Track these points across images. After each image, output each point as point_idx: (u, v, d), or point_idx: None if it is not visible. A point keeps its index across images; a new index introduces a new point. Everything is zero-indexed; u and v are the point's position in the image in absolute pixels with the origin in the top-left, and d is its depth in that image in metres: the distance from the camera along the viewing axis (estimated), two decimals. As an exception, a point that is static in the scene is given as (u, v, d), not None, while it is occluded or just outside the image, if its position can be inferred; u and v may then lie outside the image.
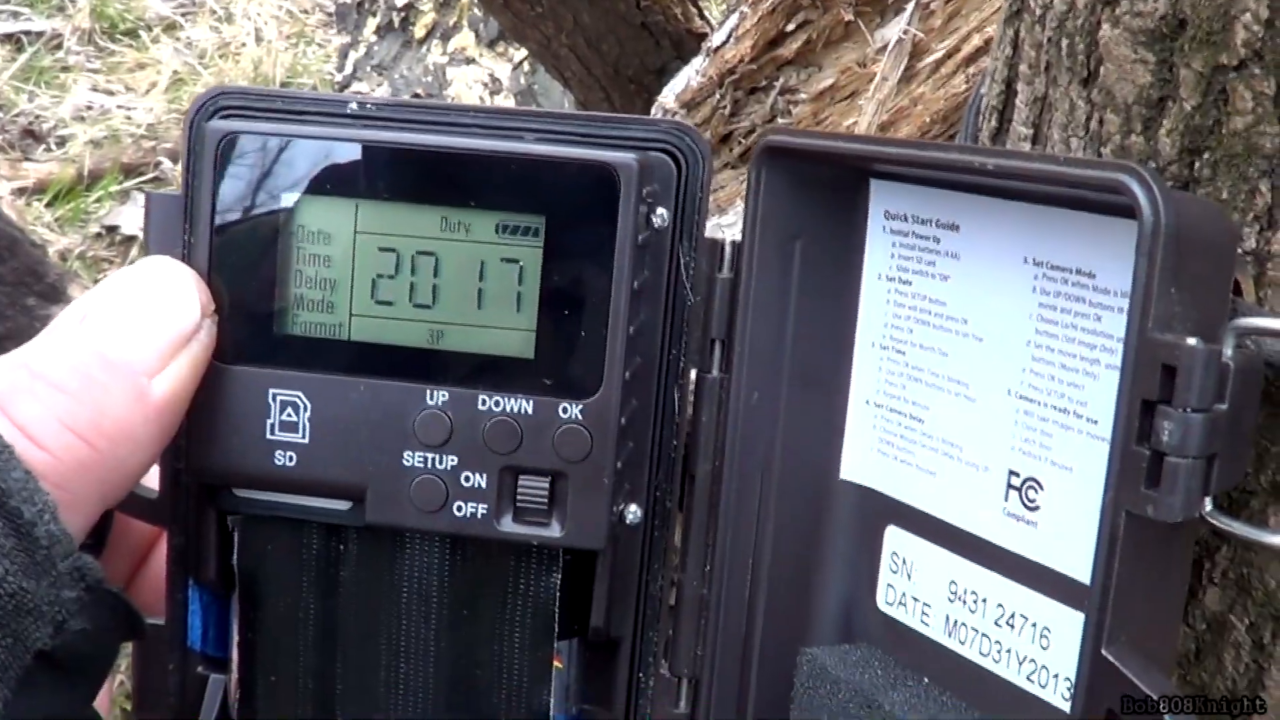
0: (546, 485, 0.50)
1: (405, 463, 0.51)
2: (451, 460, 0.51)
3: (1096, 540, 0.41)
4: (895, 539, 0.54)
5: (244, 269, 0.51)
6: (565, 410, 0.50)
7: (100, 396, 0.46)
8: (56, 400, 0.46)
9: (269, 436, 0.51)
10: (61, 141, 3.39)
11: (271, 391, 0.51)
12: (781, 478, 0.55)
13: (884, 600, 0.54)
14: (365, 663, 0.54)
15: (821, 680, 0.53)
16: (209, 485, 0.53)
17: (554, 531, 0.51)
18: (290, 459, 0.51)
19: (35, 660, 0.44)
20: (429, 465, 0.51)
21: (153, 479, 0.52)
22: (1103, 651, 0.41)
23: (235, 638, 0.55)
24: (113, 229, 3.08)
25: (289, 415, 0.51)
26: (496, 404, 0.50)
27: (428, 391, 0.50)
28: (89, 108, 3.49)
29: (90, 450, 0.46)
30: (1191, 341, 0.40)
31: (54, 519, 0.44)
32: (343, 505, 0.52)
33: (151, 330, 0.48)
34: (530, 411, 0.50)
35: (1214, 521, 0.42)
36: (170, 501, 0.53)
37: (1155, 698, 0.39)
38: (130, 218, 3.06)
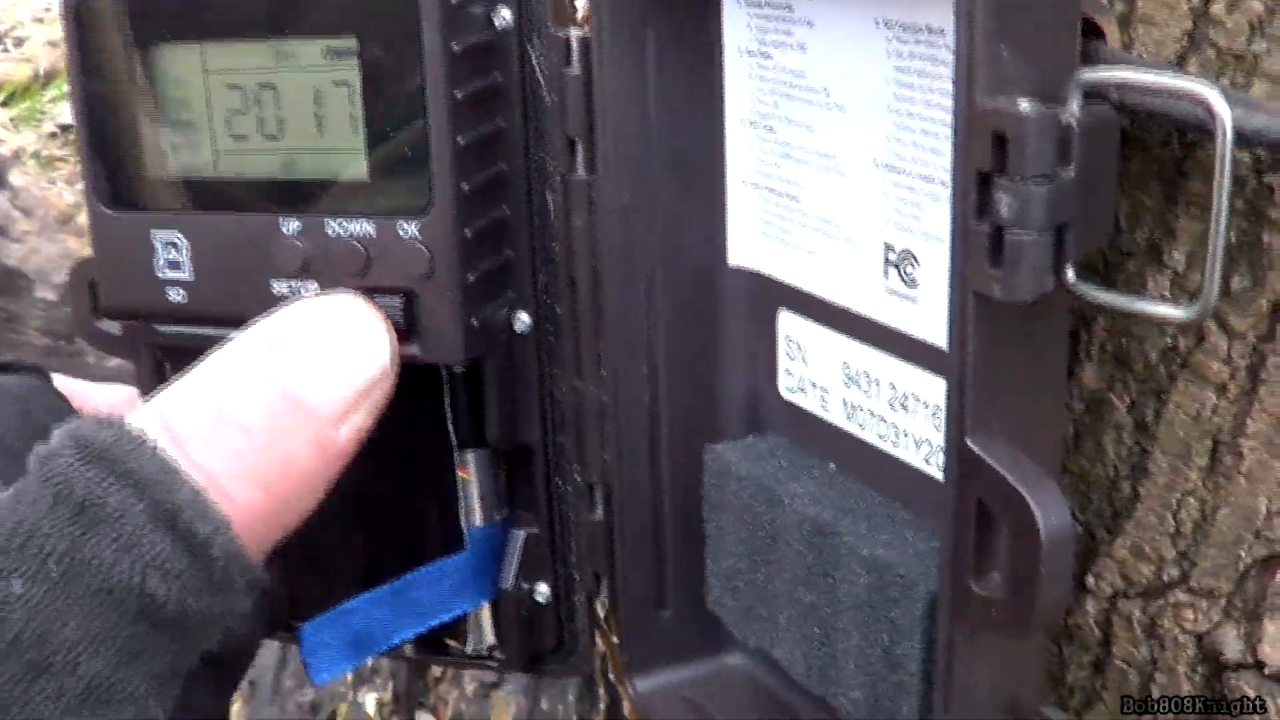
0: (400, 304, 0.50)
1: (274, 290, 0.52)
2: (313, 286, 0.51)
3: (948, 323, 0.39)
4: (788, 323, 0.52)
5: (117, 121, 0.53)
6: (404, 230, 0.50)
7: (289, 445, 0.44)
8: (244, 448, 0.43)
9: (160, 275, 0.53)
10: (19, 42, 3.31)
11: (154, 233, 0.53)
12: (666, 272, 0.53)
13: (785, 388, 0.53)
14: None
15: (726, 477, 0.53)
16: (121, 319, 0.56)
17: (413, 349, 0.50)
18: (181, 295, 0.53)
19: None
20: (293, 292, 0.51)
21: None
22: (966, 441, 0.39)
23: None
24: (67, 128, 3.01)
25: (172, 254, 0.53)
26: (342, 228, 0.50)
27: (281, 221, 0.51)
28: (47, 10, 3.39)
29: (272, 501, 0.44)
30: (1023, 106, 0.36)
31: (229, 535, 0.41)
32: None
33: (345, 375, 0.46)
34: (373, 233, 0.50)
35: (1081, 293, 0.39)
36: (130, 337, 0.57)
37: (1021, 490, 0.38)
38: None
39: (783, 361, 0.52)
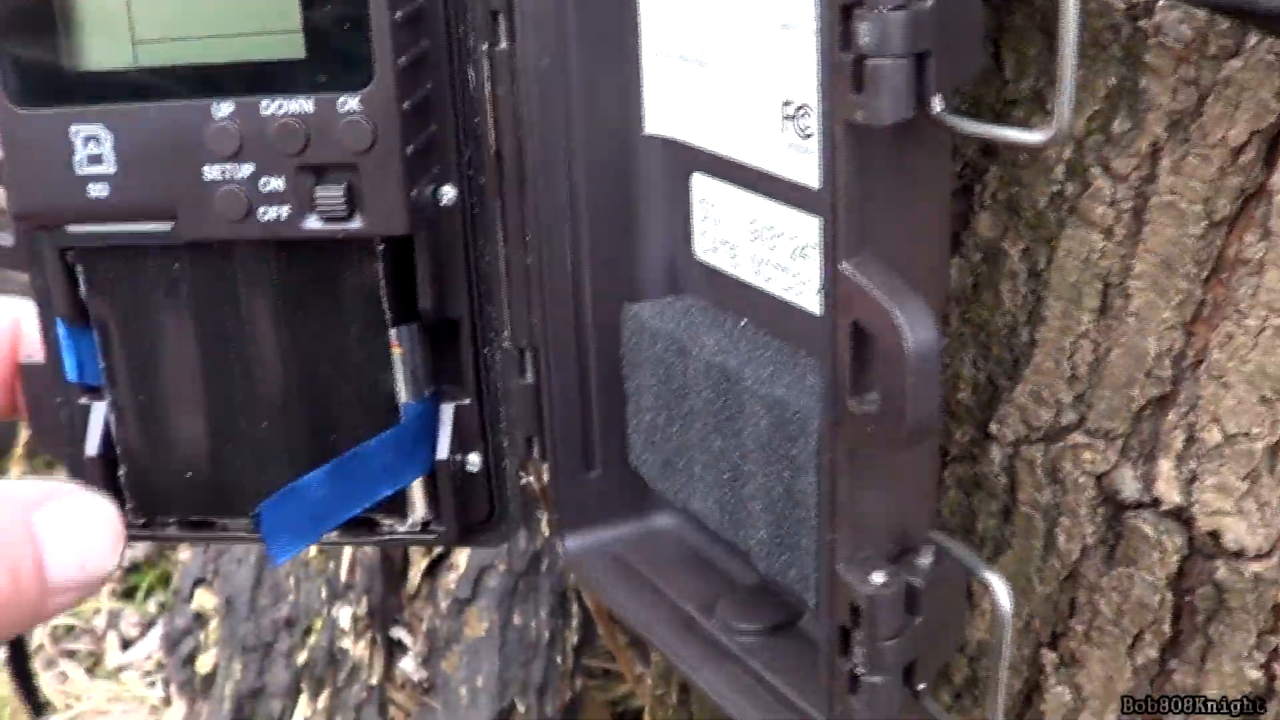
0: (342, 179, 0.51)
1: (206, 177, 0.52)
2: (248, 168, 0.52)
3: (820, 158, 0.41)
4: (701, 186, 0.53)
5: (28, 16, 0.52)
6: (344, 104, 0.51)
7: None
8: None
9: (79, 172, 0.53)
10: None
11: (73, 129, 0.52)
12: (586, 140, 0.54)
13: (699, 249, 0.54)
14: (220, 372, 0.57)
15: (642, 334, 0.54)
16: (40, 226, 0.55)
17: (356, 223, 0.52)
18: (104, 189, 0.53)
19: None
20: (227, 176, 0.52)
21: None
22: (839, 265, 0.40)
23: (101, 366, 0.58)
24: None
25: (94, 149, 0.53)
26: (279, 107, 0.51)
27: (213, 105, 0.52)
28: None
29: None
30: None
31: None
32: (165, 226, 0.54)
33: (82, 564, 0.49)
34: (311, 110, 0.51)
35: (944, 121, 0.41)
36: (25, 247, 0.56)
37: (889, 305, 0.39)
38: None
39: (697, 224, 0.54)
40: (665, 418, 0.54)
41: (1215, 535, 0.49)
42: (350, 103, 0.50)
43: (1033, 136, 0.39)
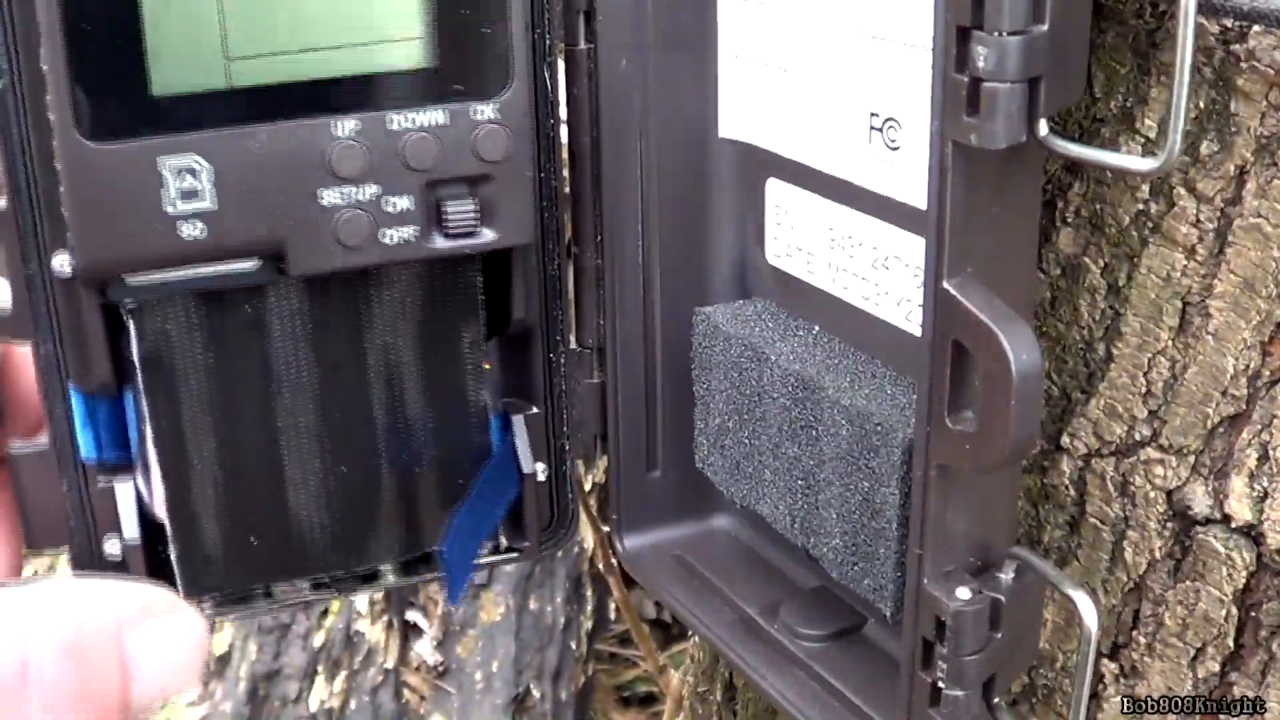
0: (471, 192, 0.49)
1: (324, 202, 0.48)
2: (372, 189, 0.49)
3: (928, 173, 0.41)
4: (776, 191, 0.54)
5: (102, 36, 0.46)
6: (479, 112, 0.49)
7: None
8: None
9: (171, 210, 0.47)
10: None
11: (162, 161, 0.46)
12: (660, 142, 0.55)
13: (772, 254, 0.55)
14: (296, 415, 0.53)
15: (715, 337, 0.54)
16: (97, 279, 0.48)
17: (486, 237, 0.50)
18: (200, 229, 0.47)
19: None
20: (349, 199, 0.48)
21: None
22: (944, 284, 0.41)
23: (148, 432, 0.51)
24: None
25: (188, 183, 0.47)
26: (410, 120, 0.48)
27: (333, 123, 0.48)
28: None
29: None
30: None
31: None
32: (248, 265, 0.49)
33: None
34: (444, 121, 0.49)
35: (1051, 146, 0.41)
36: (30, 310, 0.49)
37: (994, 328, 0.40)
38: None
39: (770, 228, 0.54)
40: (736, 422, 0.54)
41: (1286, 553, 0.49)
42: (486, 111, 0.48)
43: (1144, 164, 0.39)
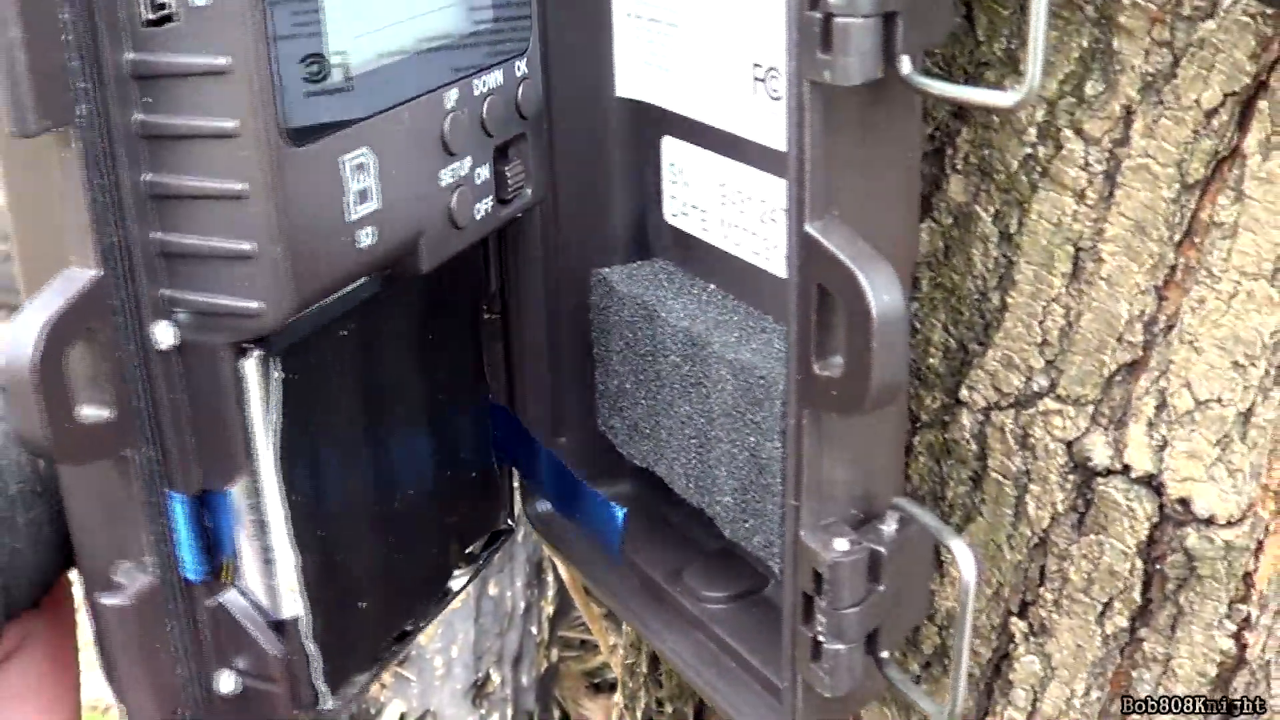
0: (518, 153, 0.48)
1: (443, 183, 0.45)
2: (468, 162, 0.46)
3: (787, 118, 0.40)
4: (671, 149, 0.53)
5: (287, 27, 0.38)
6: (520, 69, 0.48)
7: None
8: None
9: (349, 218, 0.41)
10: None
11: (342, 160, 0.40)
12: (556, 102, 0.54)
13: (669, 213, 0.54)
14: (391, 442, 0.49)
15: (610, 298, 0.54)
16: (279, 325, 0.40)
17: (525, 198, 0.49)
18: (371, 236, 0.42)
19: None
20: (456, 176, 0.45)
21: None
22: (805, 227, 0.40)
23: (273, 513, 0.43)
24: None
25: (362, 181, 0.41)
26: (484, 84, 0.46)
27: (444, 95, 0.44)
28: None
29: None
30: None
31: None
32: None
33: None
34: (501, 81, 0.47)
35: (913, 83, 0.40)
36: (131, 406, 0.39)
37: (855, 269, 0.39)
38: None
39: (667, 187, 0.53)
40: (633, 383, 0.53)
41: (1186, 502, 0.48)
42: (521, 66, 0.47)
43: (1003, 98, 0.38)
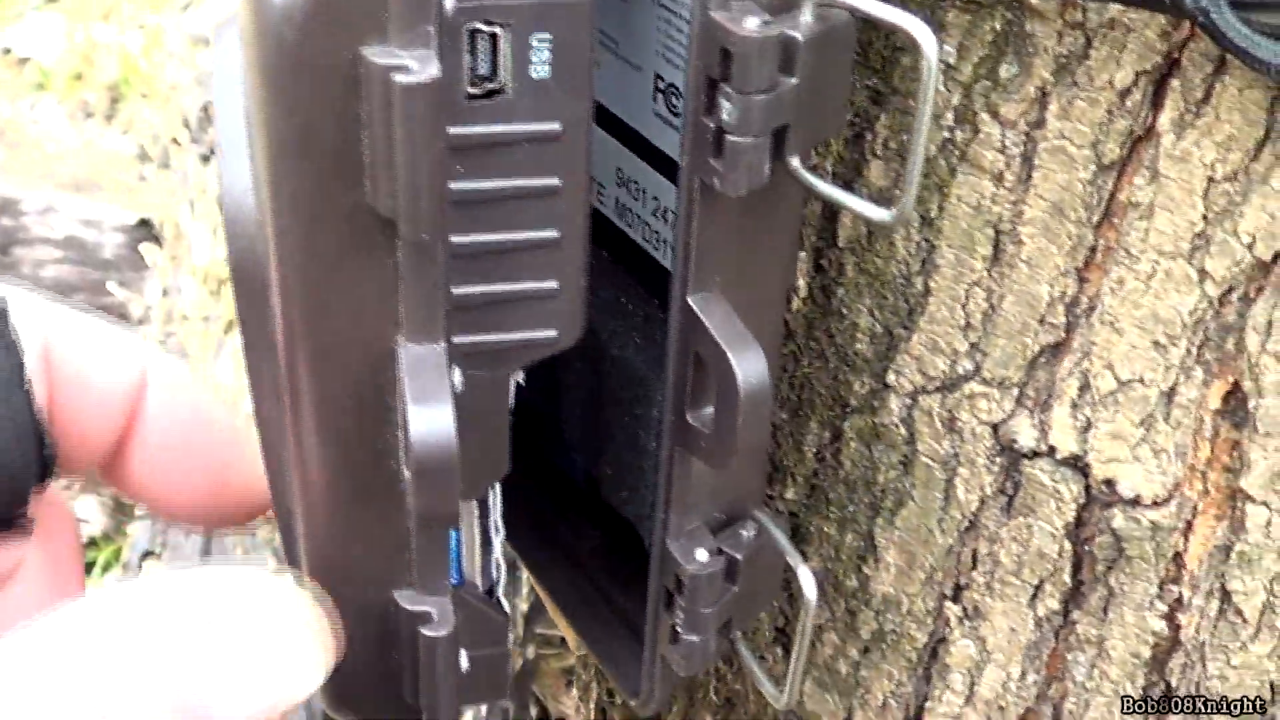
0: None
1: None
2: None
3: (676, 195, 0.42)
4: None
5: None
6: None
7: None
8: None
9: None
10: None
11: None
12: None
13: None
14: None
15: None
16: None
17: None
18: None
19: None
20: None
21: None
22: (688, 298, 0.42)
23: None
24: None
25: None
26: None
27: None
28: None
29: None
30: (748, 24, 0.38)
31: None
32: None
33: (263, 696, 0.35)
34: None
35: (801, 180, 0.41)
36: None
37: (727, 349, 0.42)
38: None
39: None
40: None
41: (1111, 483, 0.48)
42: None
43: (877, 213, 0.40)
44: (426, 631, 0.42)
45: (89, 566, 1.63)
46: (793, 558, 0.47)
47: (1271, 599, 0.51)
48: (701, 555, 0.46)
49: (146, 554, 1.31)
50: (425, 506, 0.38)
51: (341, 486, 0.41)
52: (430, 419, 0.37)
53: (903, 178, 0.41)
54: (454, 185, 0.37)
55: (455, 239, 0.38)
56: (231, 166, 0.39)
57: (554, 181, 0.39)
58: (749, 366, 0.41)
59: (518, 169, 0.38)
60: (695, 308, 0.42)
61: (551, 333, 0.41)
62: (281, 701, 0.35)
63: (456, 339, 0.40)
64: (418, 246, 0.37)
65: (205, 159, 1.31)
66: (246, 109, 0.38)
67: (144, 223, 1.61)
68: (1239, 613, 0.51)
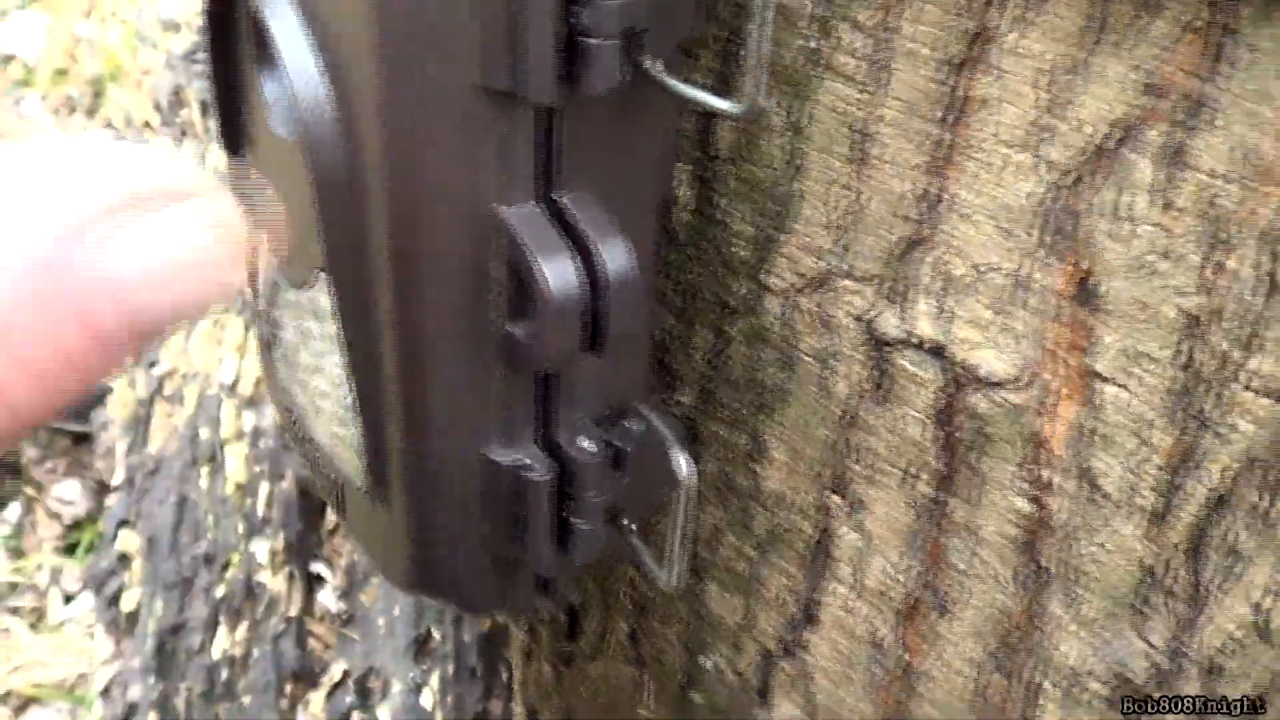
0: None
1: None
2: None
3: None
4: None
5: None
6: None
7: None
8: None
9: None
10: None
11: None
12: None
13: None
14: None
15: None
16: None
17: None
18: None
19: None
20: None
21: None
22: (552, 195, 0.46)
23: None
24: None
25: None
26: None
27: None
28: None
29: None
30: None
31: None
32: None
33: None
34: None
35: (660, 82, 0.45)
36: None
37: (591, 237, 0.45)
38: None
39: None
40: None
41: (970, 367, 0.51)
42: None
43: (727, 106, 0.43)
44: (529, 476, 0.49)
45: (71, 548, 1.67)
46: (670, 442, 0.50)
47: (1134, 478, 0.53)
48: (587, 445, 0.50)
49: (122, 522, 1.34)
50: (549, 352, 0.45)
51: (442, 349, 0.47)
52: (558, 268, 0.44)
53: (745, 70, 0.44)
54: None
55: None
56: (299, 79, 0.43)
57: None
58: (616, 255, 0.45)
59: None
60: (565, 204, 0.45)
61: None
62: (159, 293, 0.29)
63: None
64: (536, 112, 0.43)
65: (179, 141, 1.34)
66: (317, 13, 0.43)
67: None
68: (1103, 493, 0.53)
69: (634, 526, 0.53)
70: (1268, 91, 0.45)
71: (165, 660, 1.21)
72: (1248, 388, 0.52)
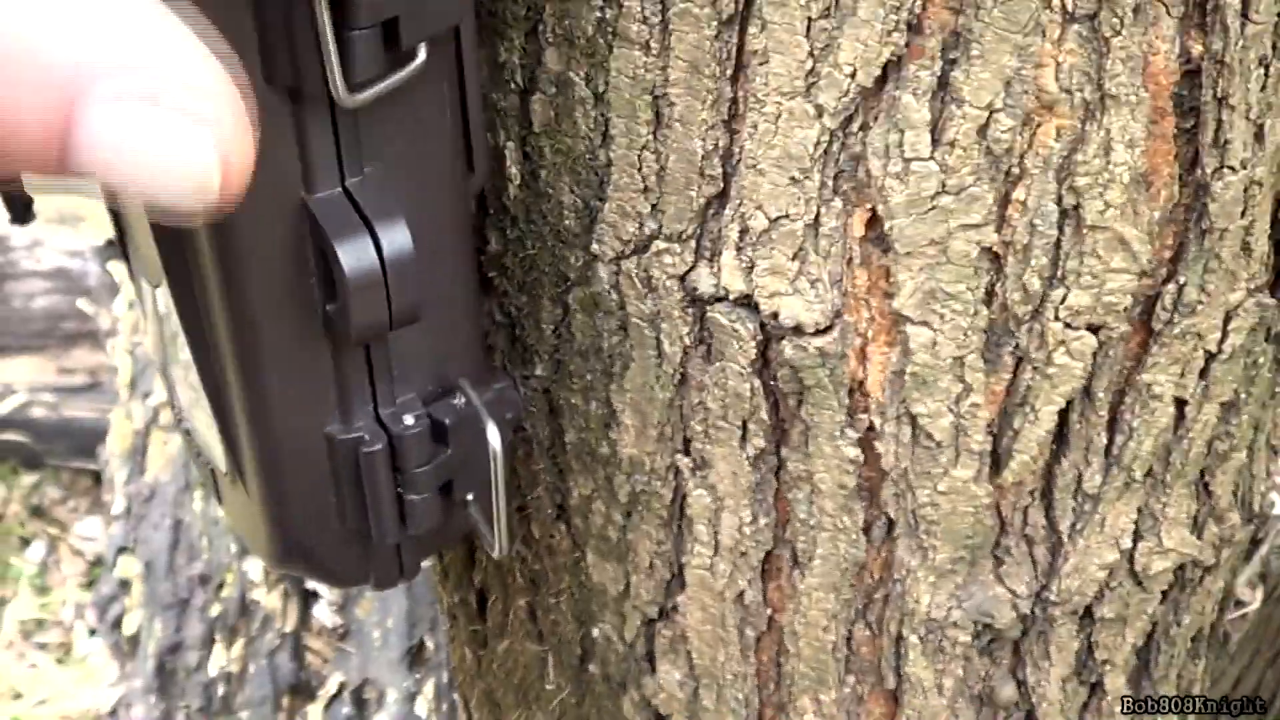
0: None
1: None
2: None
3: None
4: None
5: None
6: None
7: None
8: None
9: None
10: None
11: None
12: None
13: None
14: None
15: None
16: None
17: None
18: None
19: None
20: None
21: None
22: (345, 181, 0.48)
23: None
24: None
25: None
26: None
27: None
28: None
29: None
30: None
31: None
32: None
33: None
34: None
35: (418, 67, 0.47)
36: None
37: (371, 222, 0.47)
38: None
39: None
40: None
41: (776, 316, 0.52)
42: None
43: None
44: (364, 450, 0.52)
45: (94, 583, 1.71)
46: (482, 415, 0.52)
47: (961, 420, 0.54)
48: (408, 419, 0.52)
49: (121, 549, 1.38)
50: (356, 328, 0.48)
51: (274, 334, 0.50)
52: (353, 249, 0.47)
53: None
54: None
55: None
56: None
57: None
58: (393, 235, 0.48)
59: None
60: (352, 188, 0.48)
61: None
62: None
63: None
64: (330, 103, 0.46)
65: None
66: None
67: (112, 242, 1.73)
68: (931, 437, 0.54)
69: (469, 498, 0.55)
70: (1023, 19, 0.46)
71: (165, 679, 1.24)
72: (1058, 320, 0.53)
